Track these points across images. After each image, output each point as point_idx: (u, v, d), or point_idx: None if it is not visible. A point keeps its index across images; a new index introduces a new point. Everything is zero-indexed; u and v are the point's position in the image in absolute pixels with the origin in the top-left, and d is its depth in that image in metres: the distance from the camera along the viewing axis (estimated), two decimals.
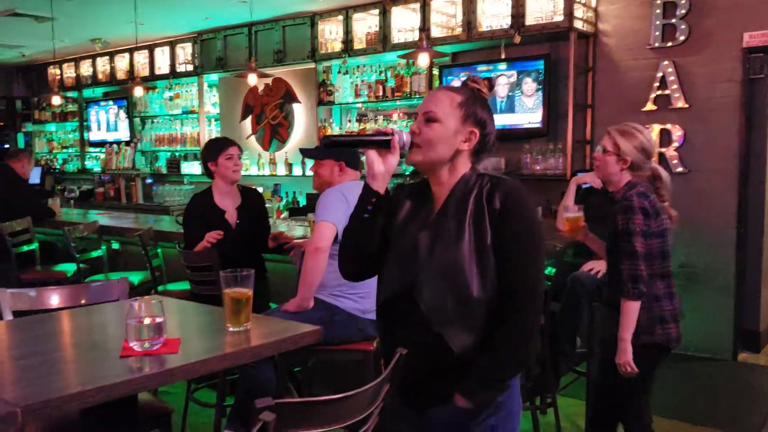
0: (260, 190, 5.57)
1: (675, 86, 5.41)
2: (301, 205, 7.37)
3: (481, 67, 6.16)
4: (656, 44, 5.48)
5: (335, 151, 3.44)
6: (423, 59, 5.47)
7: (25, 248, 5.78)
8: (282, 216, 7.00)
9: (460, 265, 1.85)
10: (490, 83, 2.03)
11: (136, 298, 2.01)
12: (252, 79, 6.74)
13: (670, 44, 5.42)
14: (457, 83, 6.25)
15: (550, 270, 3.69)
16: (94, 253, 5.39)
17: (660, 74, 5.46)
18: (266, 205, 4.36)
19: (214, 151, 4.03)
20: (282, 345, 2.19)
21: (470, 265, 1.85)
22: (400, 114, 7.06)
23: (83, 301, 2.97)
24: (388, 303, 1.99)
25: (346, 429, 1.73)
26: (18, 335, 2.38)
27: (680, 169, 5.38)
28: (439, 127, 1.93)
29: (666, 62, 5.43)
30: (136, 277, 5.05)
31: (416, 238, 1.94)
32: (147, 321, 1.99)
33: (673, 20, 5.38)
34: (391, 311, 1.99)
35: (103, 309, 2.81)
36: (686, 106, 5.38)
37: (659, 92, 5.49)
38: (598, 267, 4.03)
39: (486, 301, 1.86)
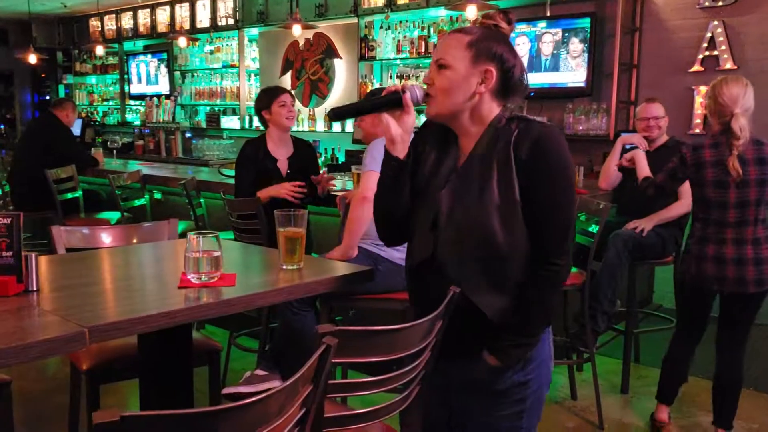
0: None
1: (723, 47, 5.31)
2: (340, 162, 7.39)
3: (523, 26, 6.09)
4: (706, 3, 5.38)
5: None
6: (471, 10, 5.40)
7: (69, 196, 5.90)
8: (321, 171, 7.01)
9: (488, 228, 1.75)
10: (507, 16, 1.88)
11: (193, 232, 2.05)
12: (296, 31, 6.72)
13: (720, 3, 5.32)
14: None
15: (593, 228, 3.68)
16: (137, 202, 5.49)
17: (708, 34, 5.37)
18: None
19: (267, 99, 4.06)
20: (335, 283, 2.23)
21: (499, 227, 1.75)
22: None
23: (135, 241, 3.04)
24: (417, 269, 1.92)
25: (395, 390, 1.73)
26: (77, 266, 2.44)
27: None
28: (449, 73, 1.80)
29: (715, 22, 5.32)
30: (179, 227, 5.11)
31: (438, 199, 1.84)
32: (205, 254, 2.04)
33: None
34: (420, 276, 1.92)
35: (157, 246, 2.88)
36: (735, 67, 5.28)
37: (707, 53, 5.40)
38: (642, 225, 4.01)
39: (516, 260, 1.78)
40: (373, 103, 1.95)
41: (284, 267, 2.28)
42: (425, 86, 1.88)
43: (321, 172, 4.39)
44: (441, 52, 1.84)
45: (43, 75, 11.76)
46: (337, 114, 1.95)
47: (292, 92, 4.18)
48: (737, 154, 3.05)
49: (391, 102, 1.85)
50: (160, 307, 1.80)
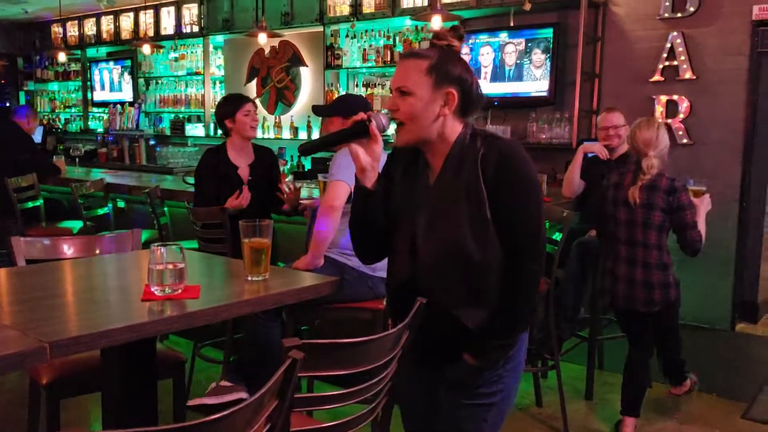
0: None
1: (683, 57, 5.40)
2: (306, 169, 7.37)
3: (486, 36, 6.15)
4: (666, 14, 5.46)
5: (344, 108, 3.45)
6: (436, 21, 5.44)
7: (30, 204, 5.81)
8: (287, 179, 6.99)
9: (463, 247, 1.83)
10: (458, 32, 1.92)
11: (157, 243, 2.03)
12: (261, 39, 6.70)
13: (679, 15, 5.40)
14: (465, 50, 6.24)
15: (557, 235, 3.72)
16: (100, 211, 5.42)
17: (668, 45, 5.45)
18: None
19: (231, 107, 4.04)
20: (302, 293, 2.23)
21: (473, 244, 1.82)
22: None
23: (97, 252, 3.00)
24: (398, 289, 1.99)
25: (364, 402, 1.75)
26: (38, 279, 2.40)
27: (685, 140, 5.39)
28: (413, 100, 1.85)
29: (675, 33, 5.41)
30: (143, 236, 5.06)
31: (414, 222, 1.91)
32: (168, 266, 2.02)
33: None
34: (402, 296, 1.97)
35: (120, 257, 2.84)
36: (694, 77, 5.38)
37: (667, 63, 5.49)
38: None
39: (493, 272, 1.86)
40: (341, 135, 1.98)
41: (249, 278, 2.27)
42: (388, 113, 1.92)
43: (286, 181, 4.37)
44: (402, 79, 1.88)
45: (2, 81, 11.55)
46: (306, 150, 1.97)
47: (256, 101, 4.17)
48: (640, 185, 3.40)
49: (358, 132, 1.88)
50: (124, 321, 1.78)
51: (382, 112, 1.89)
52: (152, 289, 2.02)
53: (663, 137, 3.44)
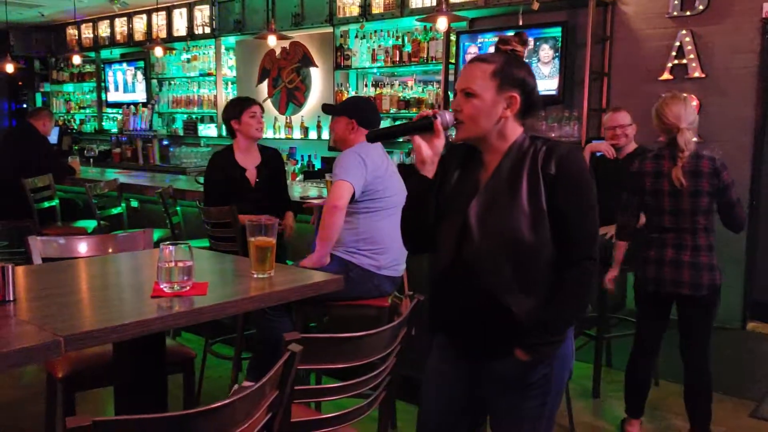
0: None
1: (692, 56, 5.41)
2: (316, 169, 7.45)
3: (495, 36, 6.17)
4: (675, 13, 5.48)
5: (351, 109, 3.53)
6: (442, 23, 5.49)
7: (46, 204, 5.91)
8: (297, 179, 7.08)
9: (517, 231, 1.90)
10: (521, 38, 2.03)
11: (166, 242, 2.10)
12: (272, 41, 6.78)
13: (688, 13, 5.42)
14: (474, 49, 6.28)
15: None
16: (114, 210, 5.51)
17: (677, 43, 5.47)
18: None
19: (237, 109, 4.11)
20: (306, 290, 2.28)
21: (528, 231, 1.90)
22: (417, 80, 7.08)
23: (110, 251, 3.08)
24: (444, 273, 2.04)
25: (364, 395, 1.81)
26: (53, 277, 2.48)
27: (695, 139, 5.39)
28: (477, 102, 1.95)
29: (684, 31, 5.43)
30: (155, 234, 5.14)
31: (467, 208, 1.98)
32: (177, 264, 2.09)
33: None
34: (446, 284, 2.04)
35: (131, 256, 2.92)
36: (703, 76, 5.39)
37: (676, 61, 5.50)
38: (611, 231, 4.09)
39: (542, 261, 1.93)
40: (406, 128, 2.09)
41: (255, 275, 2.33)
42: (453, 111, 2.01)
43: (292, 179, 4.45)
44: (467, 81, 1.98)
45: (20, 83, 11.70)
46: (373, 137, 2.14)
47: (267, 102, 4.24)
48: (681, 165, 3.23)
49: (423, 127, 1.99)
50: (134, 316, 1.85)
51: (448, 110, 1.97)
52: (161, 286, 2.08)
53: (691, 109, 3.31)
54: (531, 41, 5.98)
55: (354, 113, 3.50)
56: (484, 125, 1.96)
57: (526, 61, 2.04)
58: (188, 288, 2.10)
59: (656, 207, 3.36)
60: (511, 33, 2.07)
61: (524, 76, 1.99)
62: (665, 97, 3.38)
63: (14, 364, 1.61)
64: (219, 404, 1.20)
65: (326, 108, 3.78)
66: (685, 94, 3.40)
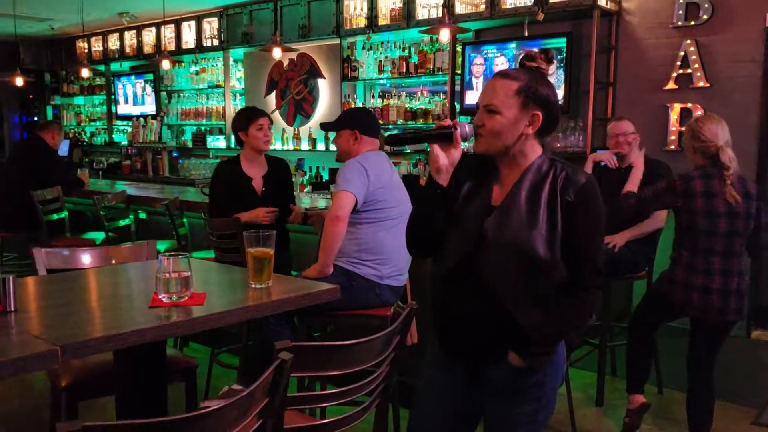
0: None
1: (696, 65, 5.42)
2: (324, 180, 7.49)
3: (500, 47, 6.21)
4: (679, 23, 5.49)
5: (350, 121, 3.55)
6: (444, 35, 5.52)
7: (55, 216, 5.96)
8: (305, 190, 7.12)
9: (533, 248, 1.92)
10: (548, 56, 2.03)
11: (165, 253, 2.13)
12: (277, 54, 6.83)
13: (693, 23, 5.43)
14: (480, 60, 6.31)
15: None
16: (122, 222, 5.56)
17: (682, 53, 5.48)
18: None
19: (245, 121, 4.13)
20: (301, 300, 2.31)
21: (544, 249, 1.92)
22: (424, 91, 7.12)
23: (113, 262, 3.12)
24: (450, 275, 2.07)
25: (351, 404, 1.83)
26: (55, 287, 2.52)
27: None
28: (500, 118, 1.96)
29: (688, 41, 5.44)
30: (162, 246, 5.18)
31: (484, 220, 2.00)
32: (174, 275, 2.12)
33: None
34: (451, 283, 2.07)
35: (133, 267, 2.95)
36: (707, 85, 5.40)
37: (680, 71, 5.51)
38: (615, 241, 4.11)
39: (553, 279, 1.96)
40: (427, 135, 2.11)
41: (253, 286, 2.36)
42: (472, 123, 2.04)
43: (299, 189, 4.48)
44: (490, 97, 1.99)
45: (30, 96, 11.82)
46: (395, 139, 2.16)
47: (275, 113, 4.27)
48: (730, 183, 3.17)
49: (443, 136, 2.02)
50: (131, 326, 1.88)
51: (468, 122, 2.01)
52: (160, 297, 2.12)
53: (726, 128, 3.29)
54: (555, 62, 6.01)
55: (354, 124, 3.53)
56: (504, 141, 1.98)
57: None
58: (186, 298, 2.13)
59: (709, 229, 3.24)
60: (536, 49, 2.09)
61: (548, 94, 2.00)
62: (698, 118, 3.38)
63: (13, 373, 1.64)
64: (207, 410, 1.22)
65: (325, 126, 3.80)
66: (718, 116, 3.40)
